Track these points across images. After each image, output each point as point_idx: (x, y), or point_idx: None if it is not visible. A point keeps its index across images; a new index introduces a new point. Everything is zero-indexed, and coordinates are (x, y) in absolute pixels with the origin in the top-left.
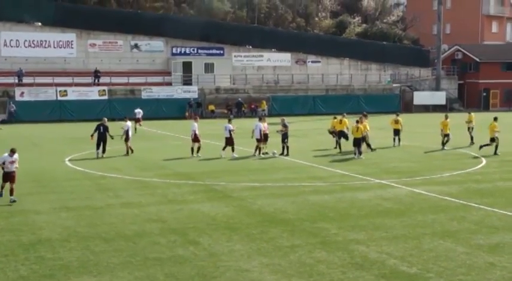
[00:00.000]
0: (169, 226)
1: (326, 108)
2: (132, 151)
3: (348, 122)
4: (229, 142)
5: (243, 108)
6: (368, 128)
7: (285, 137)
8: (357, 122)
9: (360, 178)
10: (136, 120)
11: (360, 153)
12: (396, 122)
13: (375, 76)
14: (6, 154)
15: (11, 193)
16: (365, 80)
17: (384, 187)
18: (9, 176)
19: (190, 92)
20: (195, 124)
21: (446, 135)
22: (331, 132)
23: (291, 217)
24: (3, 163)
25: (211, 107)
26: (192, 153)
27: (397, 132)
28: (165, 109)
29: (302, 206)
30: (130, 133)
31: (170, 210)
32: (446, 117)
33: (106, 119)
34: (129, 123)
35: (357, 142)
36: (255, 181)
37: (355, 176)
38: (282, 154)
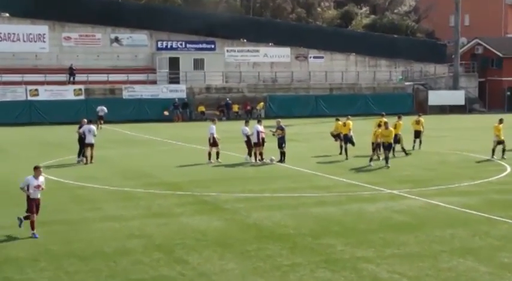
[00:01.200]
0: (153, 242)
1: (330, 110)
2: (91, 160)
3: (352, 125)
4: (249, 145)
5: (233, 110)
6: (399, 131)
7: (282, 141)
8: (379, 126)
9: (368, 187)
10: (99, 119)
11: (370, 159)
12: (417, 122)
13: (384, 73)
14: (30, 176)
15: (32, 226)
16: (374, 77)
17: (396, 197)
18: (35, 205)
19: (178, 92)
20: (213, 126)
21: (501, 142)
22: (334, 136)
23: (290, 232)
24: (27, 188)
25: (201, 108)
26: (210, 158)
27: (417, 134)
28: (149, 111)
29: (303, 220)
30: (92, 138)
31: (155, 224)
32: (501, 122)
33: (86, 121)
34: (92, 127)
35: (375, 147)
36: (251, 191)
37: (363, 185)
38: (280, 160)
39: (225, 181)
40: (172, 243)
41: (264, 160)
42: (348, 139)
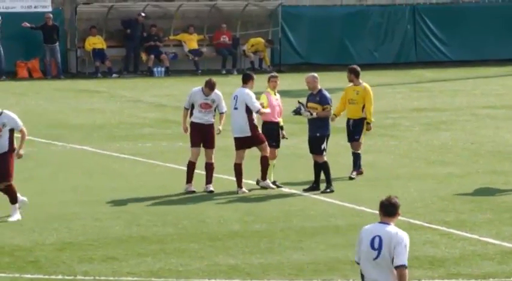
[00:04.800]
0: None
1: (454, 47)
2: None
3: None
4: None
5: (188, 47)
6: None
7: (321, 134)
8: None
9: None
10: None
11: None
12: None
13: None
14: None
15: None
16: None
17: None
18: None
19: None
20: (197, 91)
21: None
22: None
23: None
24: None
25: (94, 42)
26: (190, 181)
27: None
28: None
29: None
30: None
31: None
32: None
33: None
34: None
35: None
36: None
37: None
38: (317, 187)
39: (156, 244)
40: None
41: (266, 183)
42: None
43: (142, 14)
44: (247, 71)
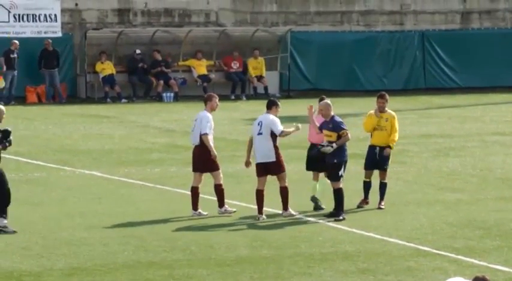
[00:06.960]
0: None
1: (460, 73)
2: None
3: None
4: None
5: (197, 72)
6: None
7: (337, 161)
8: None
9: None
10: None
11: None
12: None
13: None
14: None
15: None
16: None
17: None
18: None
19: (39, 23)
20: (207, 114)
21: None
22: None
23: None
24: None
25: (103, 68)
26: (196, 207)
27: None
28: None
29: None
30: None
31: None
32: None
33: None
34: None
35: None
36: None
37: None
38: (338, 214)
39: (165, 269)
40: None
41: (289, 212)
42: None
43: (138, 51)
44: (271, 97)
